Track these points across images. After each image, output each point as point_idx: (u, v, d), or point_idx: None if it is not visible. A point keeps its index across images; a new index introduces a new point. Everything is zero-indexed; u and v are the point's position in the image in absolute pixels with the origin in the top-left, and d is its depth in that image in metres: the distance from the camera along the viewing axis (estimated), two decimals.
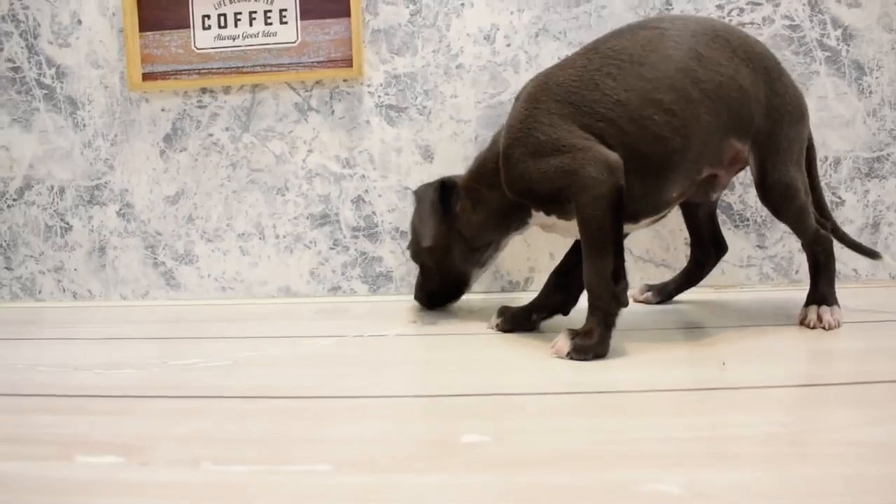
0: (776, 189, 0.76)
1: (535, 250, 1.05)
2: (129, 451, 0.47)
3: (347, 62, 1.04)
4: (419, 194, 0.86)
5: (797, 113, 0.77)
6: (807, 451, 0.42)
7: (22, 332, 0.90)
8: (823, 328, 0.75)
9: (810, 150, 0.84)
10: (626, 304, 0.69)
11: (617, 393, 0.56)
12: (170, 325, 0.91)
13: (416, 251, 0.90)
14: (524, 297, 1.01)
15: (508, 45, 1.04)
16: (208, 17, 1.07)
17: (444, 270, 0.89)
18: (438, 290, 0.92)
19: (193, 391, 0.61)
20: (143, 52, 1.08)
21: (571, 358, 0.66)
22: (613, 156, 0.69)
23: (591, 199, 0.68)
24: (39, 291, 1.14)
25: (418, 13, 1.04)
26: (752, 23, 1.01)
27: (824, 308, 0.77)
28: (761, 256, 1.03)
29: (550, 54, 1.03)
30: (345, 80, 1.06)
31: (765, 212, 1.01)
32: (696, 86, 0.71)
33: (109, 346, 0.81)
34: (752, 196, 1.02)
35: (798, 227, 0.80)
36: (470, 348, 0.73)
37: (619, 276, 0.68)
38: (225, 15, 1.06)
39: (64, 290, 1.13)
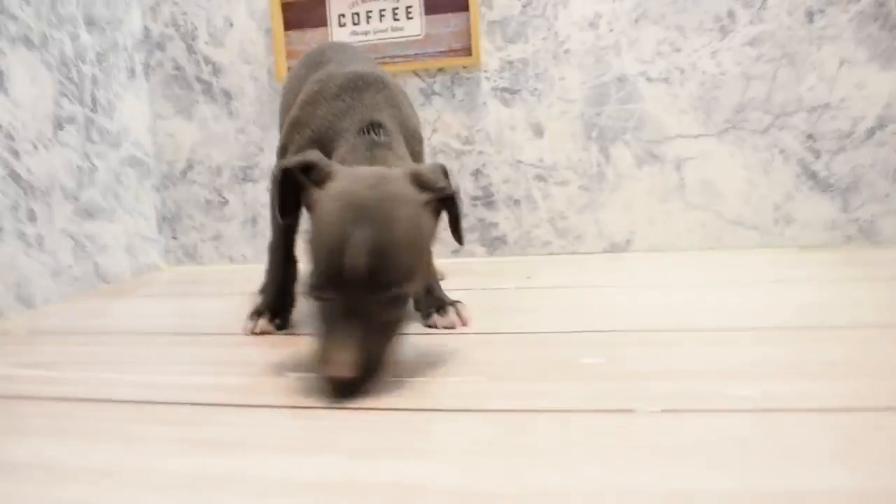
0: None
1: (635, 213, 1.18)
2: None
3: (467, 51, 1.18)
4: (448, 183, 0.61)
5: None
6: None
7: (189, 290, 1.08)
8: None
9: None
10: None
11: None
12: None
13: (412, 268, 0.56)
14: (624, 258, 1.14)
15: (611, 31, 1.16)
16: (343, 15, 1.22)
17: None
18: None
19: None
20: (288, 48, 1.24)
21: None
22: None
23: None
24: (201, 256, 1.33)
25: (529, 4, 1.17)
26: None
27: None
28: (845, 220, 1.13)
29: (650, 38, 1.14)
30: (464, 67, 1.20)
31: (849, 178, 1.11)
32: None
33: None
34: (837, 162, 1.12)
35: None
36: (591, 298, 0.87)
37: None
38: (358, 13, 1.22)
39: (221, 255, 1.32)
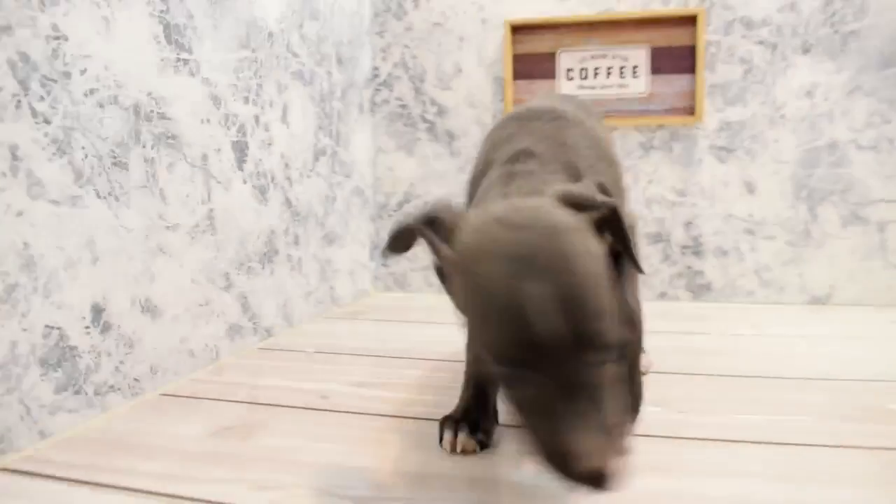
0: None
1: (837, 269, 1.28)
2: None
3: (689, 111, 1.28)
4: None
5: None
6: None
7: (404, 316, 1.17)
8: None
9: None
10: None
11: None
12: None
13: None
14: (823, 311, 1.23)
15: (826, 100, 1.26)
16: (571, 70, 1.31)
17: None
18: None
19: None
20: (515, 96, 1.33)
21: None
22: None
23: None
24: (409, 284, 1.42)
25: (750, 72, 1.27)
26: None
27: None
28: None
29: (862, 109, 1.24)
30: (683, 125, 1.29)
31: None
32: None
33: None
34: None
35: None
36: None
37: None
38: (586, 69, 1.31)
39: (429, 285, 1.41)
